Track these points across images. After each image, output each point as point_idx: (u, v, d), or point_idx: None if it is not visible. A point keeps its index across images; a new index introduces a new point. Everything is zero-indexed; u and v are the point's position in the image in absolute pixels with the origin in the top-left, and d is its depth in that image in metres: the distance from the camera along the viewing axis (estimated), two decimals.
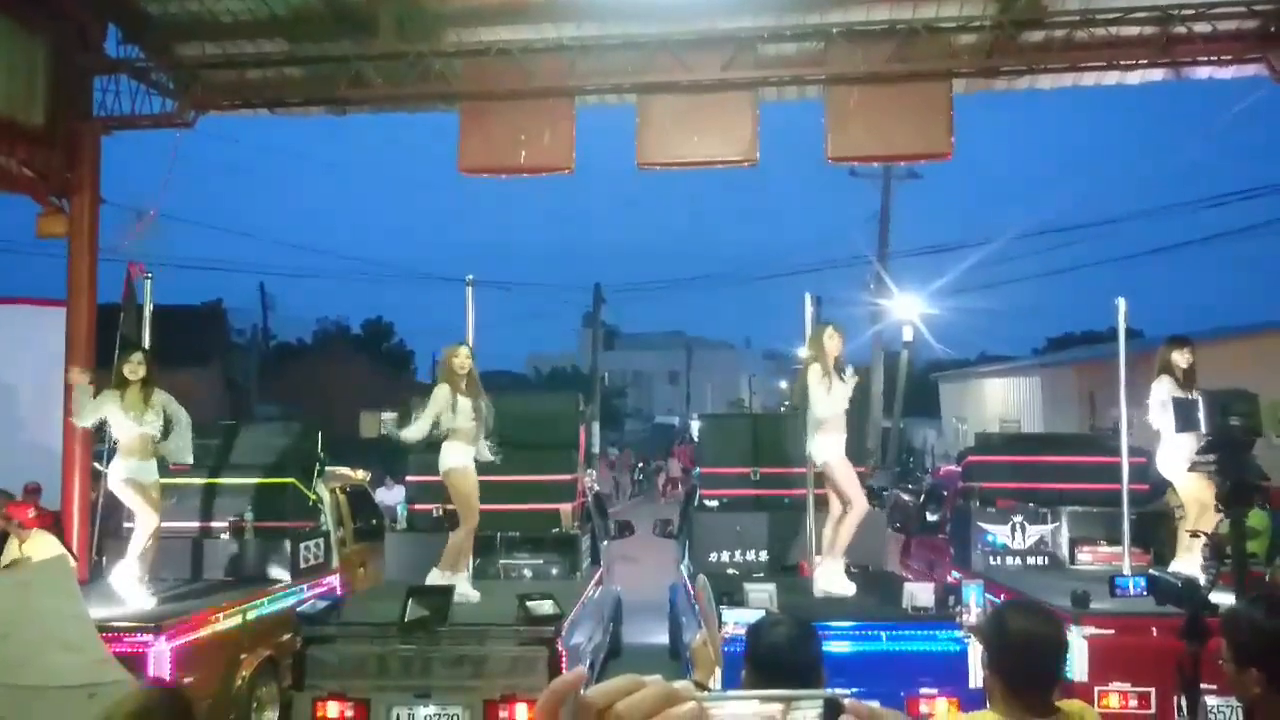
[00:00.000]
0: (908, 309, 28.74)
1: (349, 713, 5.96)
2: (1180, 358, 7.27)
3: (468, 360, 7.38)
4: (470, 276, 8.83)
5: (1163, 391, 7.12)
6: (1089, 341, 37.04)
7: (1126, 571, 6.75)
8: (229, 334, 37.62)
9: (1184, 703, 3.75)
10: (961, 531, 9.16)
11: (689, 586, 7.75)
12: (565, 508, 8.63)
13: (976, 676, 5.65)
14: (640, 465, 37.56)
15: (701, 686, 2.03)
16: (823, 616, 5.93)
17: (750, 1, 9.42)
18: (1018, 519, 8.78)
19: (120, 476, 7.11)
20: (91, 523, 9.36)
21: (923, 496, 12.01)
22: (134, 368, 7.17)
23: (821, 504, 7.43)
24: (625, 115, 9.81)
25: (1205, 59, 9.37)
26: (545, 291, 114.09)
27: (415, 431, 7.21)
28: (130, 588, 6.95)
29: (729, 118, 9.48)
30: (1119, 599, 5.76)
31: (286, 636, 7.23)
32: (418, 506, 8.74)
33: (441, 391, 7.24)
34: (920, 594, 6.38)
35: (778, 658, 2.66)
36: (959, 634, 6.07)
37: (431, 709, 5.98)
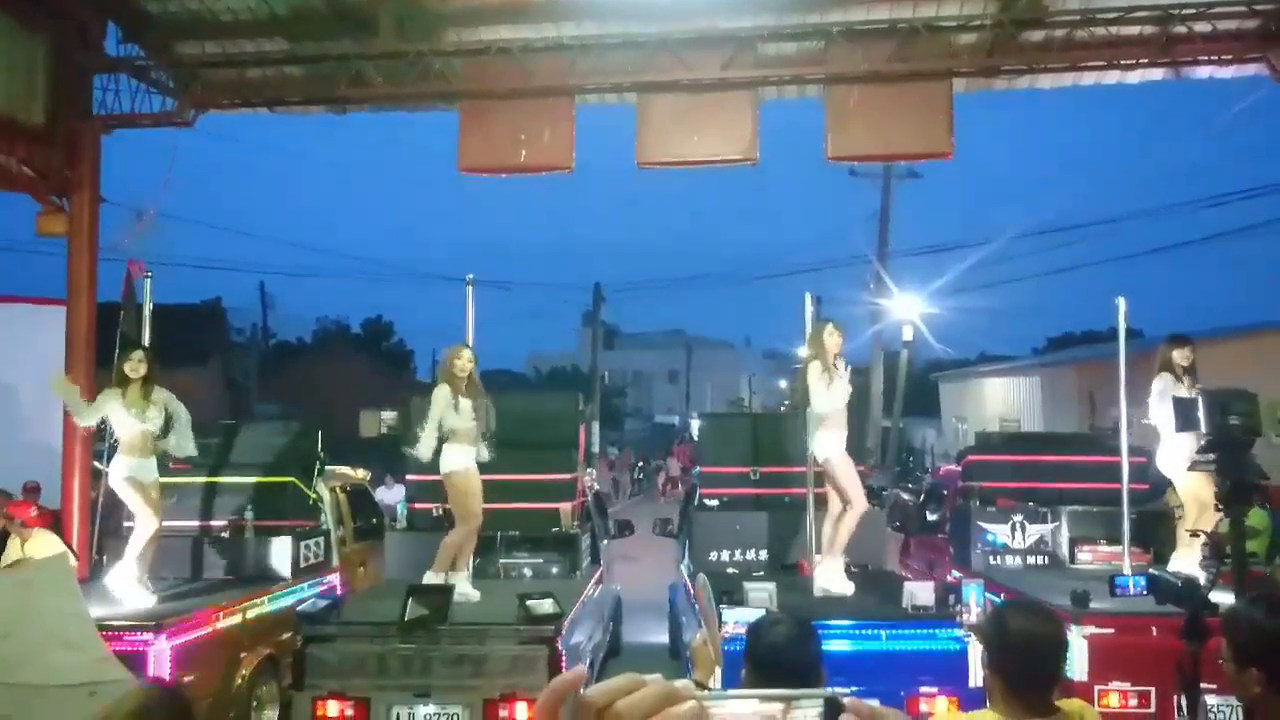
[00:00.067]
0: (907, 308, 28.70)
1: (349, 712, 5.95)
2: (1180, 356, 7.27)
3: (470, 362, 7.33)
4: (470, 276, 8.83)
5: (1161, 385, 7.13)
6: (1089, 341, 37.05)
7: (1126, 571, 6.74)
8: (229, 333, 37.61)
9: (1184, 702, 3.75)
10: (961, 531, 9.15)
11: (689, 585, 7.74)
12: (565, 507, 8.63)
13: (976, 676, 5.65)
14: (640, 464, 37.53)
15: (701, 686, 2.03)
16: (822, 615, 5.94)
17: (750, 1, 9.42)
18: (1018, 518, 8.77)
19: (121, 474, 7.11)
20: (91, 521, 9.37)
21: (922, 496, 12.00)
22: (135, 365, 7.18)
23: (821, 503, 7.42)
24: (625, 115, 9.82)
25: (1205, 58, 9.37)
26: (545, 291, 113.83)
27: (425, 446, 7.12)
28: (128, 588, 6.95)
29: (729, 117, 9.48)
30: (1119, 598, 5.73)
31: (286, 635, 7.23)
32: (418, 505, 8.75)
33: (441, 393, 7.20)
34: (920, 593, 6.37)
35: (777, 657, 2.66)
36: (959, 633, 6.07)
37: (431, 708, 5.97)
